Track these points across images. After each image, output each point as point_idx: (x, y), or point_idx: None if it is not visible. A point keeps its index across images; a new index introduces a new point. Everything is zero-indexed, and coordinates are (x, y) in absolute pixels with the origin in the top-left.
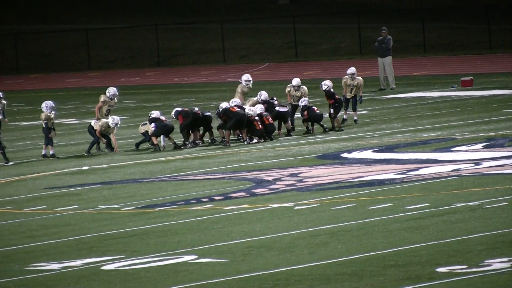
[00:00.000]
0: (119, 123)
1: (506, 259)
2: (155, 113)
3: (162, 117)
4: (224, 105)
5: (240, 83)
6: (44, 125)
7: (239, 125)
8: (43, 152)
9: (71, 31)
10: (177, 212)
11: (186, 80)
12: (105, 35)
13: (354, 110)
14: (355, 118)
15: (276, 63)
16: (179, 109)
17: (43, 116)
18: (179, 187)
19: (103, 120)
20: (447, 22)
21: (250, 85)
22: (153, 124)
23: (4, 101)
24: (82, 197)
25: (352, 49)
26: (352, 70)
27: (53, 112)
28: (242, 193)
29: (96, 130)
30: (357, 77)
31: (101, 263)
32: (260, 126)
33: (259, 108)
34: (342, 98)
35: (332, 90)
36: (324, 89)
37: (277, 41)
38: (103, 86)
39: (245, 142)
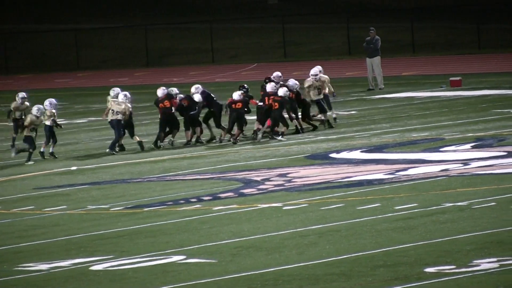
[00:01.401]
0: (120, 92)
1: (494, 259)
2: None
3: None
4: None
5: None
6: (48, 124)
7: (236, 123)
8: (42, 150)
9: (60, 31)
10: (166, 212)
11: (175, 80)
12: (94, 36)
13: (330, 108)
14: (334, 116)
15: (265, 63)
16: (182, 95)
17: (47, 114)
18: (168, 188)
19: (115, 106)
20: (436, 22)
21: (317, 78)
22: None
23: (27, 103)
24: (71, 197)
25: (341, 49)
26: (315, 70)
27: (54, 110)
28: (230, 193)
29: (122, 120)
30: (322, 75)
31: (89, 263)
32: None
33: (270, 87)
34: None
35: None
36: (296, 90)
37: (266, 41)
38: (92, 87)
39: (232, 142)
